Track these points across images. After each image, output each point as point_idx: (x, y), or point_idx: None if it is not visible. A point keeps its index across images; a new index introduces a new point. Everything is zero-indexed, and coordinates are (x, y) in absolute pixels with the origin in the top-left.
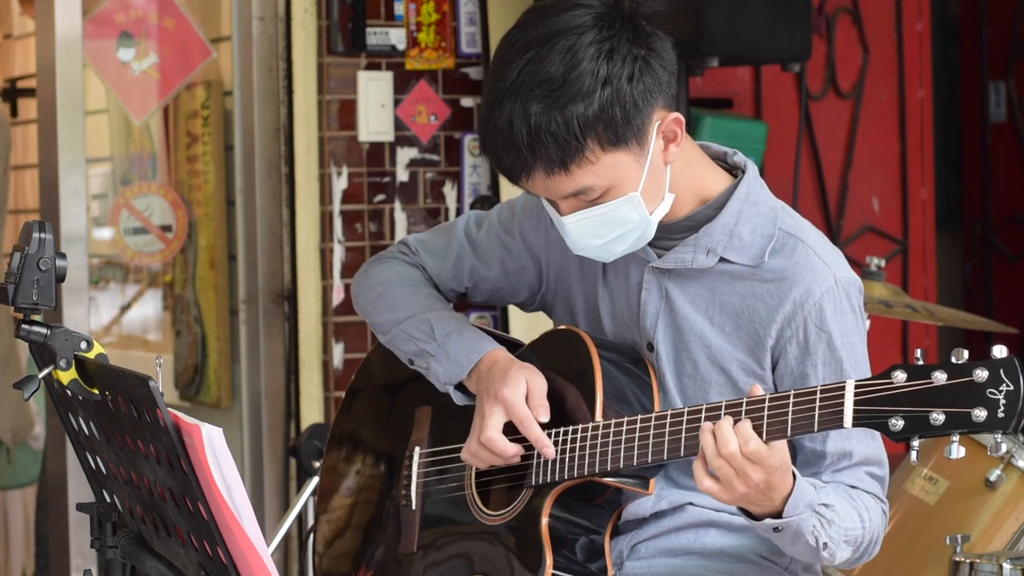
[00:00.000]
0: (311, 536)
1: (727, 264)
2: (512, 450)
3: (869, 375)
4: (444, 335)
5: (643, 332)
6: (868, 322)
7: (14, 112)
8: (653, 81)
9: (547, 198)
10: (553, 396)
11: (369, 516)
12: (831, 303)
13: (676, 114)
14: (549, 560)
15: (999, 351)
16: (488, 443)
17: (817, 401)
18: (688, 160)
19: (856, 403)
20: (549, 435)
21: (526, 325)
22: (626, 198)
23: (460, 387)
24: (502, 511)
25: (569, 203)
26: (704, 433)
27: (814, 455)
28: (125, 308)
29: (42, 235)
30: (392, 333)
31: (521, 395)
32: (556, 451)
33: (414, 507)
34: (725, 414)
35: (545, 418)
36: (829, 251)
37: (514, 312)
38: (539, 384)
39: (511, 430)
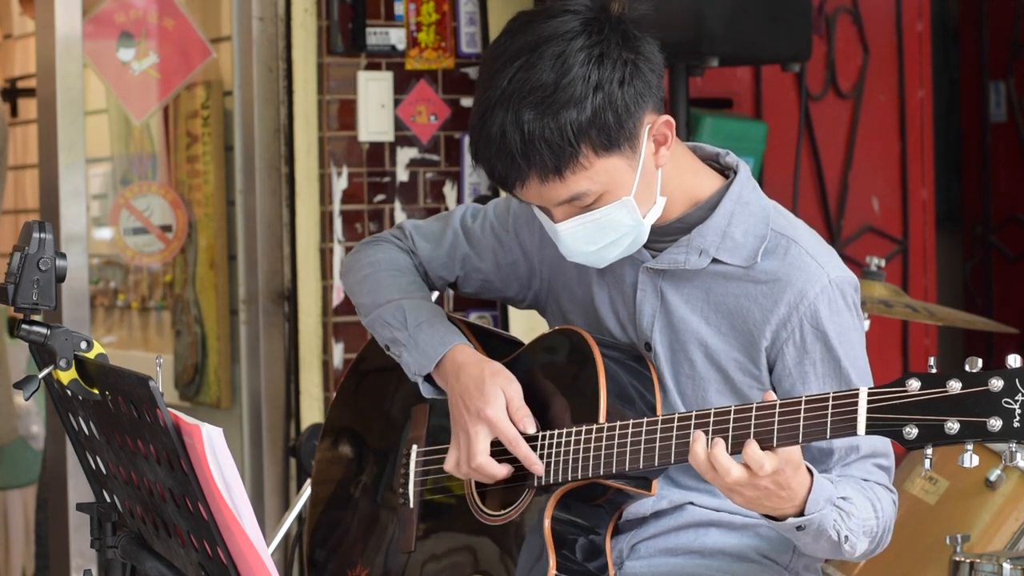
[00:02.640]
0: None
1: (720, 265)
2: (503, 472)
3: (868, 372)
4: (416, 325)
5: (640, 333)
6: (868, 322)
7: (14, 112)
8: (643, 84)
9: (540, 206)
10: (556, 396)
11: (365, 513)
12: (826, 303)
13: (666, 117)
14: (552, 561)
15: (1014, 360)
16: (480, 469)
17: (830, 408)
18: (678, 162)
19: (870, 411)
20: (553, 435)
21: (526, 325)
22: (620, 202)
23: (429, 378)
24: (503, 511)
25: (563, 210)
26: (696, 462)
27: (820, 452)
28: (125, 308)
29: (42, 235)
30: (371, 316)
31: (503, 412)
32: (561, 452)
33: (412, 505)
34: (734, 418)
35: (532, 428)
36: (823, 251)
37: (514, 311)
38: (516, 392)
39: (495, 442)
